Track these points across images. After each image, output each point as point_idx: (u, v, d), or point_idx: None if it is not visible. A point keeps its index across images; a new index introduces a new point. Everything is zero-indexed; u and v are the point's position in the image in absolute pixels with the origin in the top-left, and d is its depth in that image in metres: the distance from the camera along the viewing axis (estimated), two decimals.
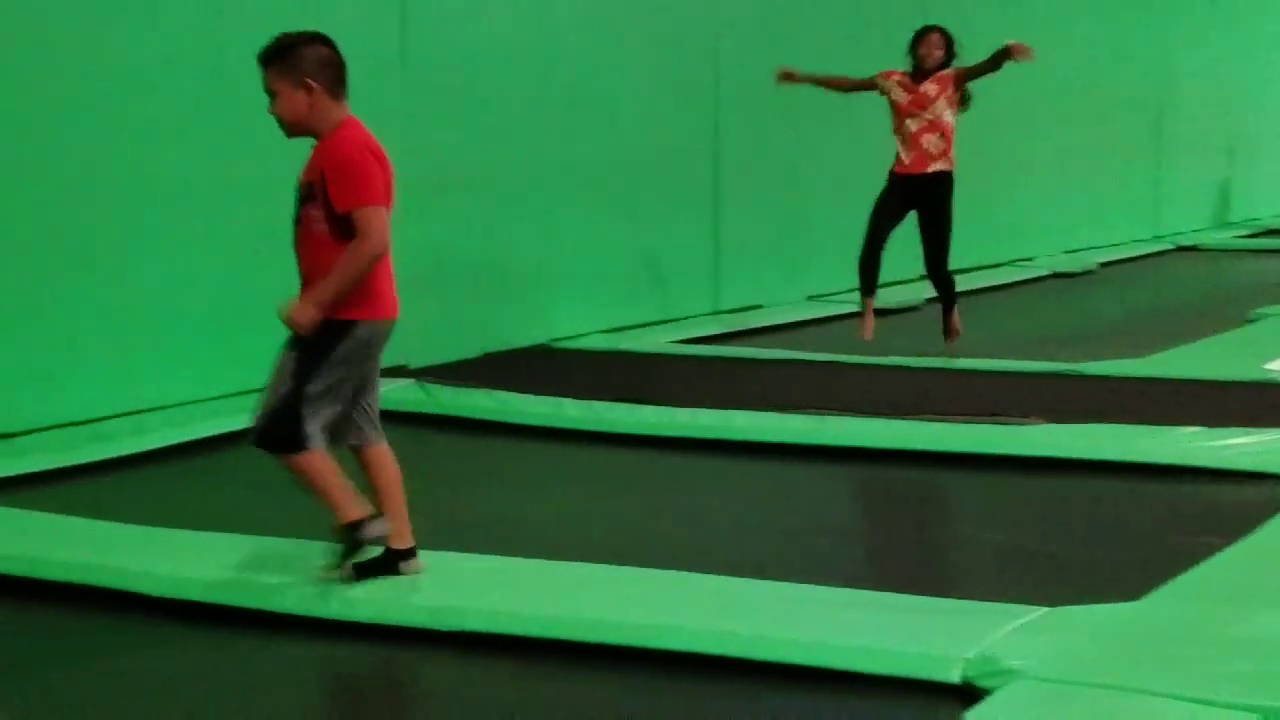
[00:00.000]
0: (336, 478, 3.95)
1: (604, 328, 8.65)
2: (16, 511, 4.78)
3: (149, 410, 6.29)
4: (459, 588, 3.99)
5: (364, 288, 3.96)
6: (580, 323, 8.53)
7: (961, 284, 8.31)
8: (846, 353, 7.67)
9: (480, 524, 4.96)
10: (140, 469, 5.70)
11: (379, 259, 3.97)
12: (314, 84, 3.92)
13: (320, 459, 3.93)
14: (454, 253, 7.79)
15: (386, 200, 4.02)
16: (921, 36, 7.74)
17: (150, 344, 6.37)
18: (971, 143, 8.17)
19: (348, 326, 3.97)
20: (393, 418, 6.54)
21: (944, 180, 7.71)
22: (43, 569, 4.19)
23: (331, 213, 3.92)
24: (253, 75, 4.03)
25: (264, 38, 4.05)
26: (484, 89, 7.87)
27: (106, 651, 3.81)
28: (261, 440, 3.95)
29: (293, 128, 3.99)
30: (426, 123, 7.54)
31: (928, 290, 8.57)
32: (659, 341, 8.40)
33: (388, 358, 7.07)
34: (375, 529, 3.96)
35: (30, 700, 3.50)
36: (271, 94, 3.96)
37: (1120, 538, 4.77)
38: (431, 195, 7.60)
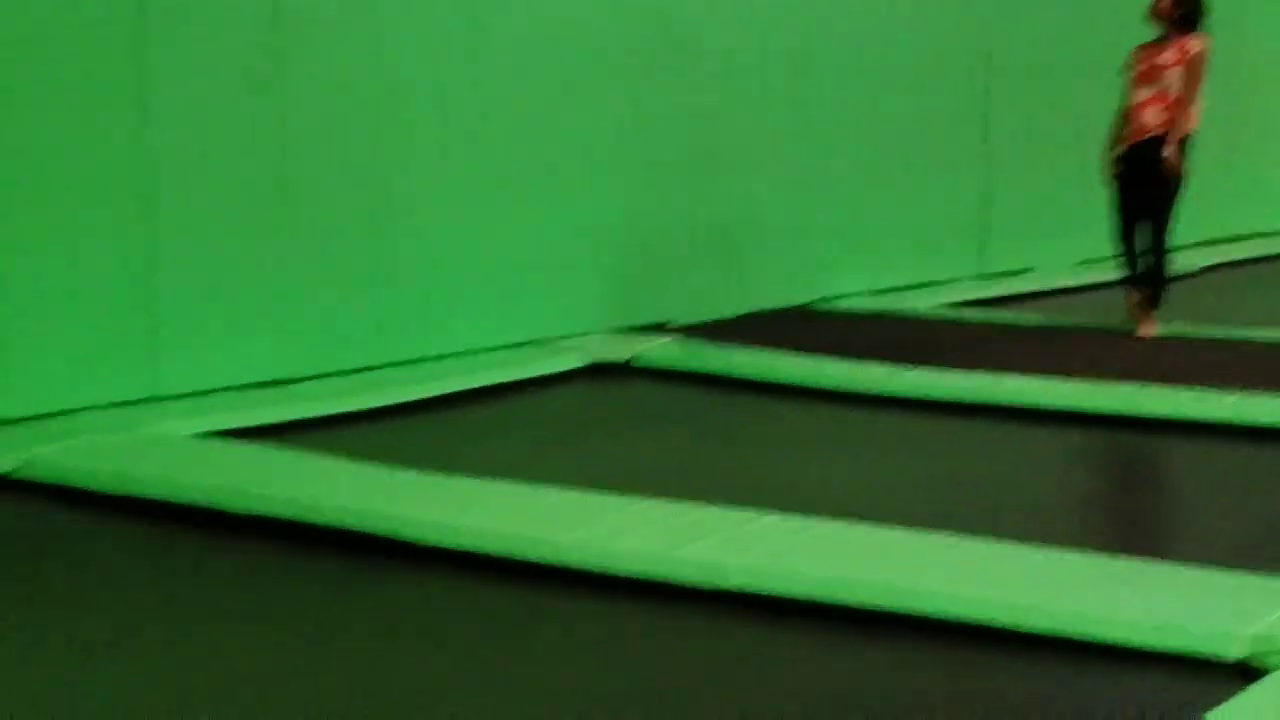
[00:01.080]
0: None
1: (868, 289, 8.56)
2: (295, 454, 4.93)
3: (423, 360, 6.46)
4: (724, 545, 3.98)
5: None
6: (844, 284, 8.46)
7: (1237, 252, 7.92)
8: (1118, 321, 7.43)
9: (743, 481, 4.94)
10: (419, 416, 5.84)
11: None
12: None
13: None
14: (719, 215, 7.79)
15: None
16: None
17: (422, 294, 6.52)
18: (1224, 111, 7.78)
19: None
20: (655, 374, 6.65)
21: (1162, 150, 7.04)
22: (320, 514, 4.31)
23: None
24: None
25: None
26: (749, 54, 7.83)
27: (380, 597, 3.89)
28: None
29: None
30: (694, 88, 7.54)
31: (1204, 256, 8.25)
32: (924, 304, 8.27)
33: (652, 315, 7.15)
34: None
35: (305, 643, 3.59)
36: None
37: None
38: (698, 159, 7.61)
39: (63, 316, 5.36)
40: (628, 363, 6.77)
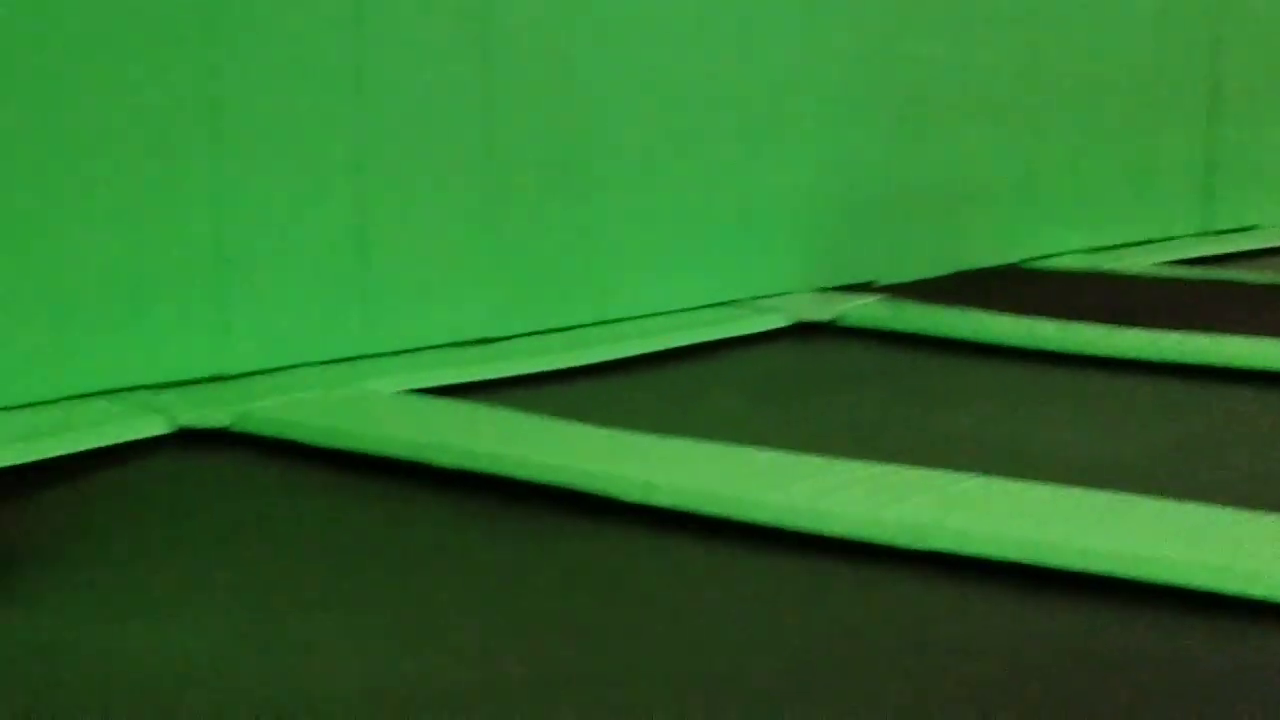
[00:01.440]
0: None
1: (1082, 248, 8.32)
2: (501, 411, 4.97)
3: (625, 319, 6.46)
4: (931, 506, 3.90)
5: None
6: (1056, 242, 8.24)
7: None
8: None
9: (950, 443, 4.84)
10: (622, 375, 5.85)
11: None
12: None
13: None
14: (926, 170, 7.65)
15: None
16: None
17: (626, 253, 6.52)
18: None
19: None
20: (860, 334, 6.55)
21: None
22: (524, 469, 4.33)
23: None
24: None
25: None
26: (964, 3, 7.66)
27: (581, 552, 3.91)
28: None
29: None
30: (909, 36, 7.39)
31: None
32: (1142, 262, 8.01)
33: (857, 274, 7.07)
34: None
35: (511, 605, 3.62)
36: None
37: None
38: (906, 112, 7.47)
39: (279, 276, 5.48)
40: (832, 322, 6.68)
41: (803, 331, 6.62)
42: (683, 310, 6.68)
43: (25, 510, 4.14)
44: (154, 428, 4.77)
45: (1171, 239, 8.73)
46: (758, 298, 6.96)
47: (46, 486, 4.27)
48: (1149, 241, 8.61)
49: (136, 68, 5.00)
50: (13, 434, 4.51)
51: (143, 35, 5.02)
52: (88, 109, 4.91)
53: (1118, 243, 8.49)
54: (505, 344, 6.03)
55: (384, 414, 4.91)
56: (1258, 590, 3.37)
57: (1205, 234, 8.96)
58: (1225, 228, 9.06)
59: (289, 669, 3.17)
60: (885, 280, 7.40)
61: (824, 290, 7.18)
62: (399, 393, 5.29)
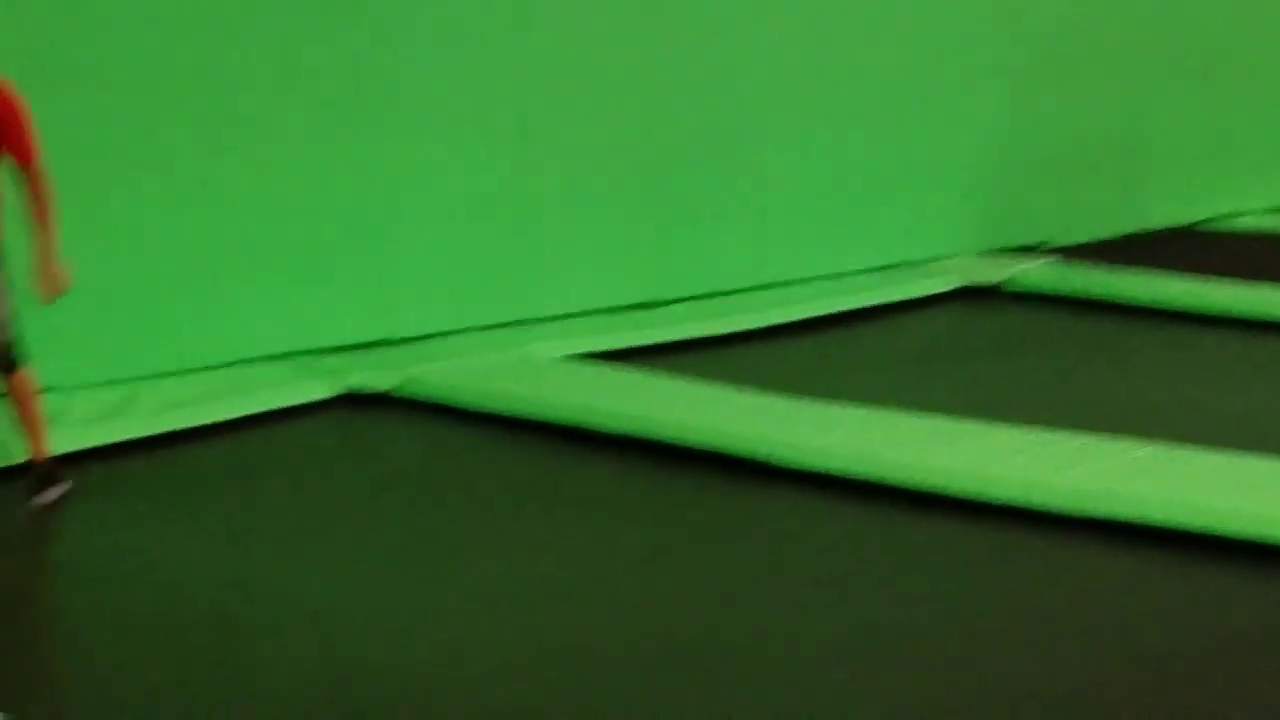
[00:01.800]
0: None
1: (1265, 207, 8.03)
2: (658, 376, 4.95)
3: (788, 283, 6.40)
4: (1104, 473, 3.79)
5: None
6: (1237, 202, 7.96)
7: None
8: None
9: (1123, 409, 4.71)
10: (786, 339, 5.78)
11: None
12: None
13: None
14: (1100, 128, 7.44)
15: None
16: None
17: (788, 217, 6.45)
18: None
19: None
20: (1030, 298, 6.41)
21: None
22: (685, 434, 4.31)
23: None
24: None
25: None
26: None
27: (746, 517, 3.88)
28: None
29: None
30: None
31: None
32: None
33: (1027, 236, 6.91)
34: None
35: (669, 566, 3.61)
36: None
37: None
38: (1081, 69, 7.27)
39: (443, 243, 5.51)
40: (1000, 285, 6.54)
41: (970, 295, 6.49)
42: (846, 274, 6.59)
43: (205, 462, 4.26)
44: (321, 390, 4.86)
45: None
46: (924, 261, 6.83)
47: (223, 443, 4.36)
48: None
49: (313, 51, 5.09)
50: (190, 396, 4.62)
51: (303, 20, 5.10)
52: (257, 85, 4.99)
53: None
54: (666, 309, 6.01)
55: (545, 379, 4.92)
56: None
57: None
58: None
59: (450, 617, 3.21)
60: (1056, 242, 7.23)
61: (993, 253, 7.03)
62: (560, 358, 5.30)
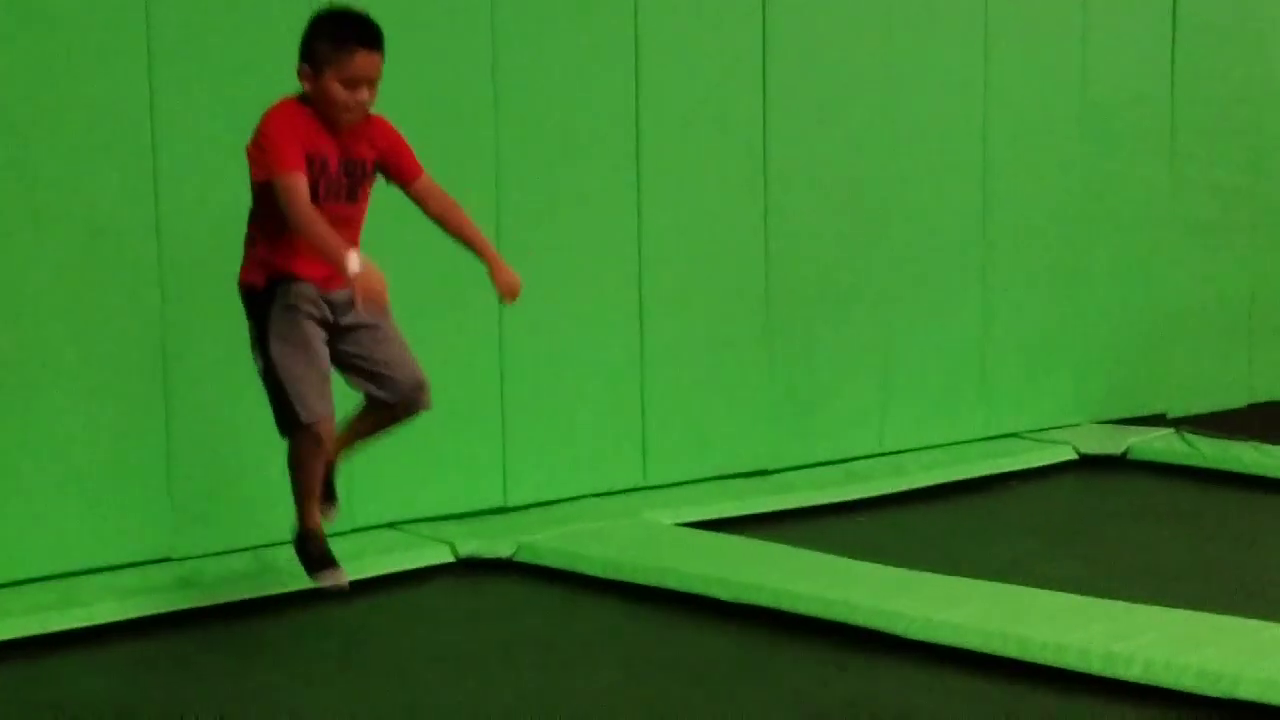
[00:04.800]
0: None
1: None
2: (776, 547, 4.91)
3: (903, 451, 6.37)
4: (1237, 655, 3.70)
5: None
6: None
7: None
8: None
9: (1249, 585, 4.60)
10: (904, 508, 5.75)
11: None
12: None
13: None
14: (1220, 297, 7.37)
15: None
16: None
17: (904, 384, 6.43)
18: None
19: None
20: (1151, 469, 6.31)
21: None
22: (807, 605, 4.28)
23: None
24: None
25: None
26: (1256, 118, 7.42)
27: (865, 689, 3.82)
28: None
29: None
30: (1205, 162, 7.21)
31: None
32: None
33: (1147, 405, 6.75)
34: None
35: None
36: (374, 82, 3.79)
37: None
38: (1199, 239, 7.24)
39: (559, 411, 5.55)
40: (1121, 455, 6.46)
41: (1090, 465, 6.41)
42: (963, 442, 6.54)
43: (336, 623, 4.30)
44: (439, 556, 4.89)
45: None
46: (1041, 429, 6.77)
47: (348, 606, 4.38)
48: None
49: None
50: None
51: None
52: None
53: None
54: (782, 476, 5.99)
55: (661, 545, 4.91)
56: None
57: None
58: None
59: None
60: (1177, 412, 7.13)
61: (1112, 422, 6.95)
62: (676, 524, 5.30)
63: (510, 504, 5.43)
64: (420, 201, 4.01)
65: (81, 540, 4.60)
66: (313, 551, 3.97)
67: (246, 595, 4.44)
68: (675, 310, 5.82)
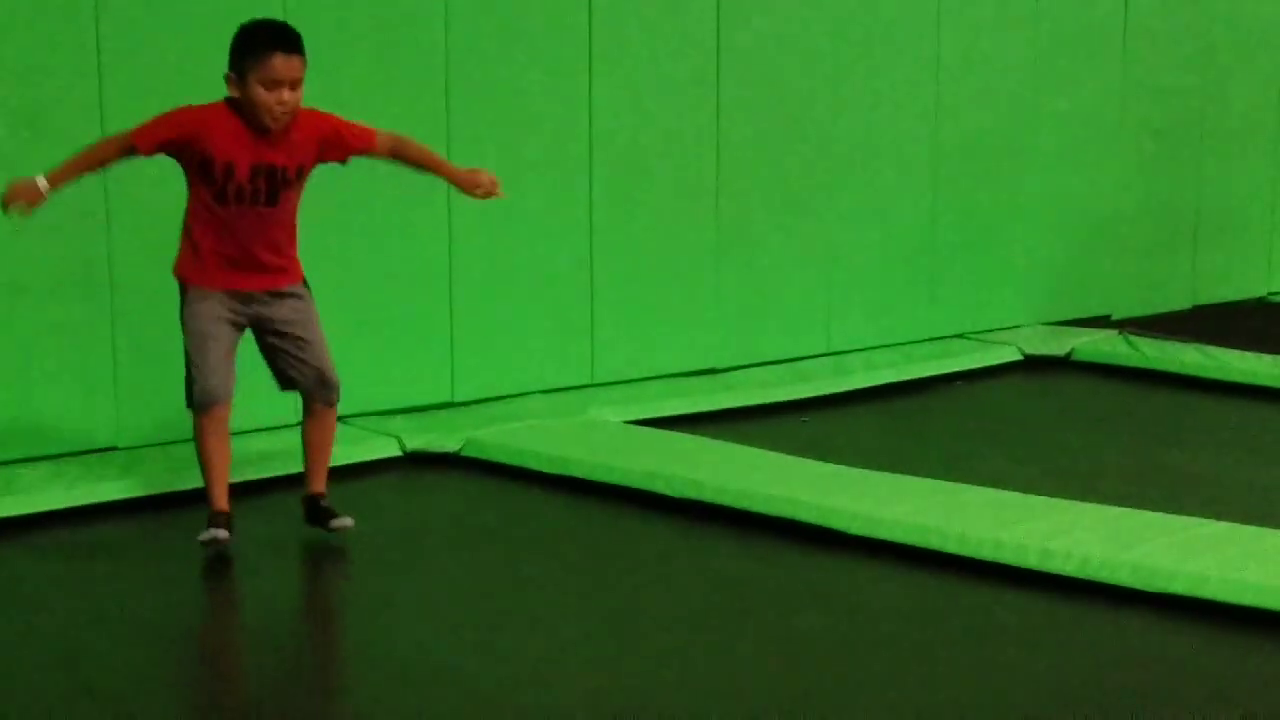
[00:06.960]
0: None
1: None
2: (723, 443, 4.96)
3: (850, 352, 6.41)
4: (1172, 551, 3.76)
5: None
6: None
7: None
8: None
9: (1186, 485, 4.68)
10: (848, 407, 5.79)
11: None
12: None
13: None
14: (1167, 201, 7.42)
15: None
16: None
17: (852, 285, 6.46)
18: None
19: None
20: (1095, 370, 6.38)
21: None
22: (750, 501, 4.32)
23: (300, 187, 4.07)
24: None
25: None
26: (1212, 36, 7.43)
27: (803, 580, 3.87)
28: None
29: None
30: (1157, 69, 7.22)
31: None
32: None
33: (1092, 308, 6.86)
34: None
35: (724, 625, 3.60)
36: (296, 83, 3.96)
37: None
38: (1149, 143, 7.28)
39: (508, 307, 5.55)
40: (1065, 357, 6.52)
41: (1034, 366, 6.47)
42: (910, 343, 6.59)
43: (281, 513, 4.30)
44: (386, 450, 4.91)
45: None
46: (987, 331, 6.83)
47: (295, 496, 4.39)
48: None
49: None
50: (253, 455, 4.69)
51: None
52: None
53: None
54: (728, 375, 6.03)
55: (607, 442, 4.93)
56: None
57: None
58: None
59: (507, 673, 3.22)
60: (1122, 314, 7.20)
61: (1057, 324, 7.01)
62: (623, 422, 5.32)
63: (458, 399, 5.44)
64: (394, 159, 4.23)
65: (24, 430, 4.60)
66: (209, 519, 4.08)
67: (190, 486, 4.44)
68: (624, 209, 5.81)
